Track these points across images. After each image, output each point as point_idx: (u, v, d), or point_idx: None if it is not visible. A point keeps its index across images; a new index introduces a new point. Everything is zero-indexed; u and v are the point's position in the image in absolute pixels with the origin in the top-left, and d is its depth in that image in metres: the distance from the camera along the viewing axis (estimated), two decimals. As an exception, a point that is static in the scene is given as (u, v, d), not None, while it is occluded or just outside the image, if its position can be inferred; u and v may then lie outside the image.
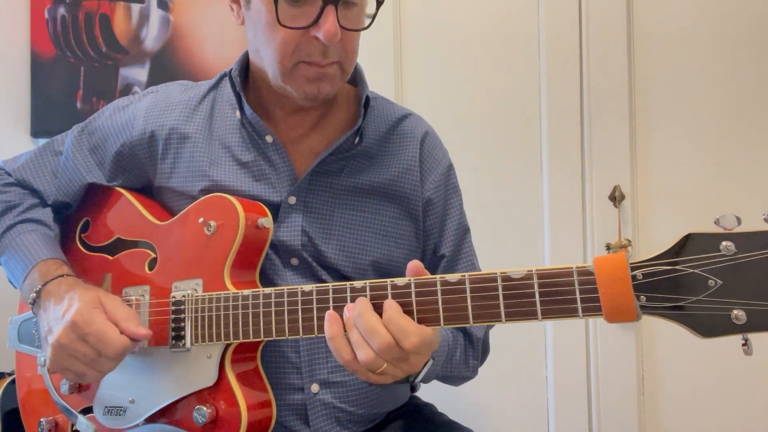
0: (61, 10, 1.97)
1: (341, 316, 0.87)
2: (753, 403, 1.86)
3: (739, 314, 0.71)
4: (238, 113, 1.11)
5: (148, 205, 1.12)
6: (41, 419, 1.12)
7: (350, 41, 1.02)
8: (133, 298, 1.04)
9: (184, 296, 1.00)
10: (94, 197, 1.17)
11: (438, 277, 0.85)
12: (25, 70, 1.97)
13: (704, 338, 0.73)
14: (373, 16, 1.02)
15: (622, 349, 1.89)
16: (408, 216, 1.13)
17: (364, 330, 0.83)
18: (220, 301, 0.97)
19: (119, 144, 1.14)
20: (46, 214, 1.16)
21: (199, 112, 1.13)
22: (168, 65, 1.98)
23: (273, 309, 0.93)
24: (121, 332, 0.95)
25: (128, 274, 1.09)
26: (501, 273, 0.82)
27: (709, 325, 0.73)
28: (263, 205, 1.05)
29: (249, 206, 1.02)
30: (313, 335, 0.91)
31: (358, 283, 0.88)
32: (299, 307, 0.92)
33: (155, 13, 1.98)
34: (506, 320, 0.81)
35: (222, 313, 0.97)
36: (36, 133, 1.95)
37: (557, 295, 0.78)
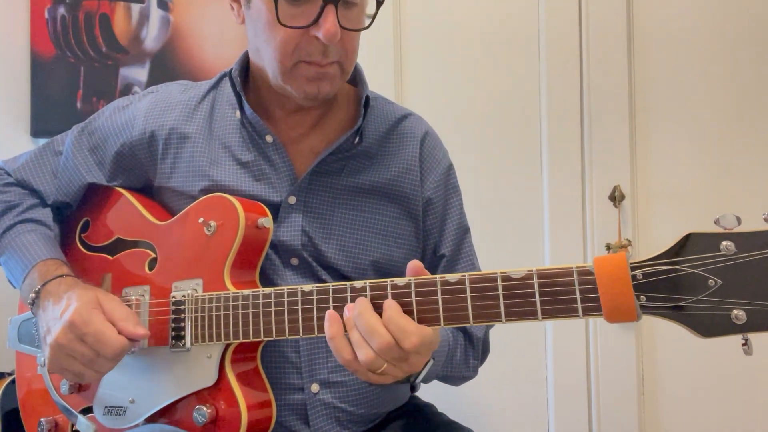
0: (61, 10, 1.97)
1: (341, 316, 0.87)
2: (753, 403, 1.86)
3: (739, 314, 0.71)
4: (238, 113, 1.11)
5: (148, 205, 1.12)
6: (41, 419, 1.12)
7: (350, 41, 1.02)
8: (133, 298, 1.04)
9: (184, 296, 1.00)
10: (94, 197, 1.17)
11: (438, 277, 0.85)
12: (25, 70, 1.97)
13: (704, 338, 0.73)
14: (373, 16, 1.02)
15: (622, 349, 1.89)
16: (408, 216, 1.13)
17: (364, 330, 0.83)
18: (220, 301, 0.97)
19: (119, 144, 1.14)
20: (46, 214, 1.16)
21: (199, 112, 1.13)
22: (168, 65, 1.98)
23: (273, 309, 0.93)
24: (119, 332, 0.95)
25: (128, 274, 1.08)
26: (501, 273, 0.82)
27: (709, 325, 0.73)
28: (263, 205, 1.05)
29: (249, 206, 1.02)
30: (313, 335, 0.91)
31: (358, 283, 0.88)
32: (299, 307, 0.92)
33: (155, 13, 1.98)
34: (506, 320, 0.81)
35: (222, 313, 0.97)
36: (36, 133, 1.95)
37: (557, 295, 0.78)
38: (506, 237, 1.93)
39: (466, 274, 0.83)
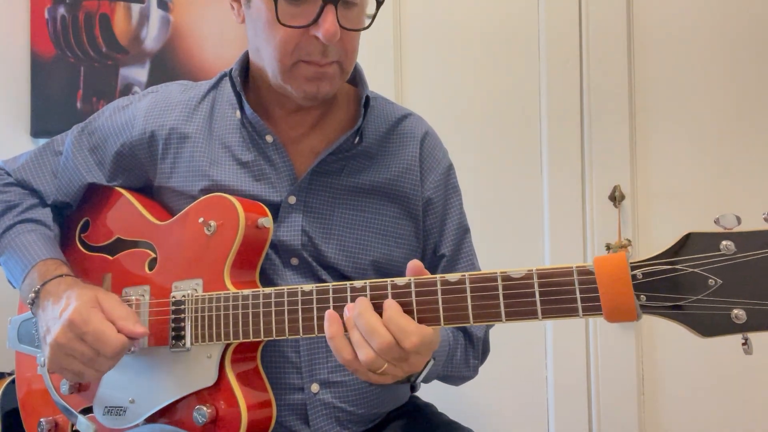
0: (61, 10, 1.97)
1: (341, 316, 0.87)
2: (753, 403, 1.86)
3: (739, 313, 0.71)
4: (238, 113, 1.11)
5: (148, 205, 1.12)
6: (41, 419, 1.12)
7: (350, 41, 1.02)
8: (133, 298, 1.04)
9: (184, 296, 1.00)
10: (94, 197, 1.17)
11: (438, 276, 0.85)
12: (25, 70, 1.97)
13: (704, 338, 0.73)
14: (373, 16, 1.03)
15: (622, 349, 1.89)
16: (408, 216, 1.13)
17: (365, 330, 0.83)
18: (220, 301, 0.97)
19: (119, 144, 1.14)
20: (46, 214, 1.16)
21: (199, 111, 1.13)
22: (168, 65, 1.98)
23: (273, 309, 0.93)
24: (119, 331, 0.95)
25: (128, 274, 1.08)
26: (501, 273, 0.82)
27: (709, 325, 0.73)
28: (263, 205, 1.05)
29: (249, 206, 1.02)
30: (313, 335, 0.91)
31: (358, 283, 0.88)
32: (299, 307, 0.92)
33: (155, 13, 1.98)
34: (506, 320, 0.81)
35: (222, 313, 0.97)
36: (36, 133, 1.95)
37: (557, 295, 0.78)
38: (506, 237, 1.93)
39: (466, 273, 0.83)
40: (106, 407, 1.05)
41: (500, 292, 0.81)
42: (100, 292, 1.00)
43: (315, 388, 1.04)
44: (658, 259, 0.74)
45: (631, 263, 0.76)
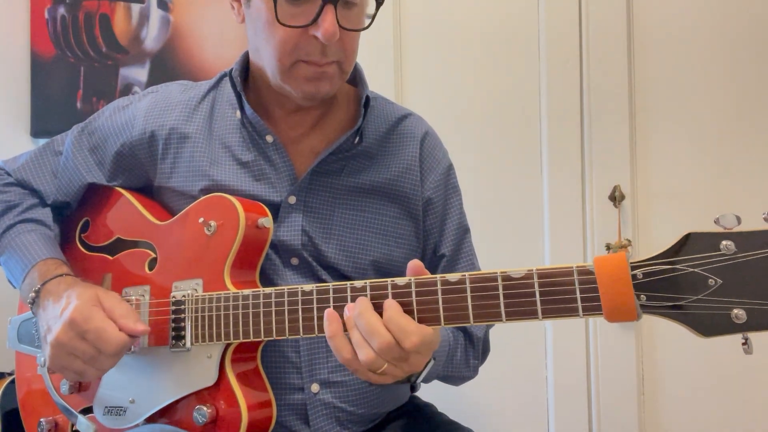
0: (61, 10, 1.98)
1: (341, 316, 0.87)
2: (753, 403, 1.86)
3: (739, 313, 0.71)
4: (238, 113, 1.11)
5: (148, 205, 1.12)
6: (41, 419, 1.12)
7: (350, 41, 1.02)
8: (133, 298, 1.04)
9: (184, 296, 1.00)
10: (94, 197, 1.17)
11: (438, 276, 0.85)
12: (25, 70, 1.97)
13: (704, 337, 0.73)
14: (373, 16, 1.03)
15: (622, 349, 1.89)
16: (408, 216, 1.13)
17: (365, 330, 0.83)
18: (220, 300, 0.97)
19: (119, 144, 1.14)
20: (46, 214, 1.16)
21: (199, 112, 1.13)
22: (168, 65, 1.98)
23: (273, 309, 0.93)
24: (120, 329, 0.95)
25: (128, 274, 1.08)
26: (501, 272, 0.82)
27: (709, 325, 0.73)
28: (263, 205, 1.05)
29: (249, 206, 1.02)
30: (314, 335, 0.91)
31: (358, 283, 0.88)
32: (299, 306, 0.92)
33: (155, 13, 1.98)
34: (506, 320, 0.81)
35: (222, 313, 0.97)
36: (36, 133, 1.96)
37: (557, 295, 0.78)
38: (506, 237, 1.93)
39: (467, 273, 0.83)
40: (106, 407, 1.05)
41: (500, 292, 0.81)
42: (100, 290, 1.00)
43: (315, 388, 1.04)
44: (658, 259, 0.74)
45: (631, 263, 0.76)
